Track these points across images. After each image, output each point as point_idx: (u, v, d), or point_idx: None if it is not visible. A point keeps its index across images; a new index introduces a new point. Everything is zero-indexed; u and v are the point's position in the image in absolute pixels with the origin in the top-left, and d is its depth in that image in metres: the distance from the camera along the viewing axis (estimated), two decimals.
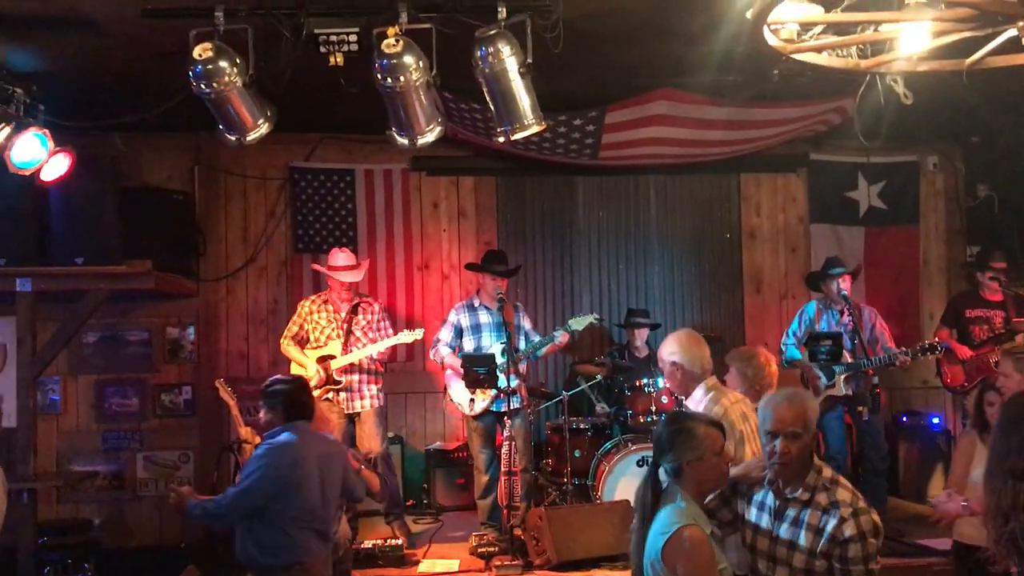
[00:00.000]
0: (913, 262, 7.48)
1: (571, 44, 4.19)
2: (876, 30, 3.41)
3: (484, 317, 5.92)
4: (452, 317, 6.00)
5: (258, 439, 4.30)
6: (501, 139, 4.38)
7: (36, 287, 5.27)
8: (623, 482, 5.58)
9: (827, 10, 3.38)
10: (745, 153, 6.84)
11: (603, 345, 7.20)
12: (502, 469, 5.42)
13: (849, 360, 5.80)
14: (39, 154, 4.81)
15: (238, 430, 5.24)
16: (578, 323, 5.86)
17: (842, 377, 5.83)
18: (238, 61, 3.98)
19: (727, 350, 4.53)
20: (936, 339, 6.11)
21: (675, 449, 2.82)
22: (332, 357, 5.76)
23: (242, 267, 6.92)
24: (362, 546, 5.18)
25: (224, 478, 5.21)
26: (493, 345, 5.81)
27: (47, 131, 4.82)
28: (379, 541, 5.31)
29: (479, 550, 5.29)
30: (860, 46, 3.57)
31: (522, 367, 5.88)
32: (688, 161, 6.81)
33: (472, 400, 5.76)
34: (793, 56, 3.45)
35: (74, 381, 6.60)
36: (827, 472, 2.94)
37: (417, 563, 5.21)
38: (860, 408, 5.71)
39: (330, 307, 5.91)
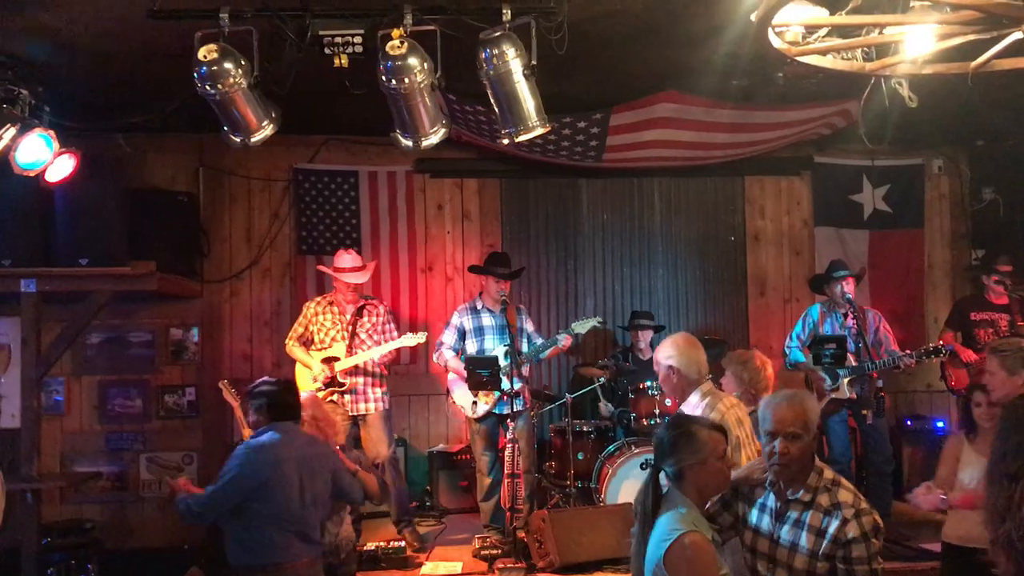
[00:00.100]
0: (918, 265, 7.47)
1: (576, 46, 4.19)
2: (881, 33, 3.41)
3: (487, 319, 5.92)
4: (455, 319, 6.01)
5: None
6: (505, 141, 4.38)
7: (41, 288, 5.28)
8: (626, 485, 5.57)
9: (832, 13, 3.38)
10: (749, 156, 6.83)
11: (607, 347, 7.19)
12: (505, 472, 5.43)
13: (853, 363, 5.78)
14: (44, 155, 4.82)
15: (241, 431, 5.22)
16: (581, 326, 5.86)
17: (846, 380, 5.81)
18: (243, 62, 3.98)
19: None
20: (941, 342, 6.09)
21: (677, 453, 2.79)
22: (336, 359, 5.75)
23: (246, 268, 6.93)
24: (365, 548, 5.18)
25: None
26: (496, 348, 5.81)
27: (52, 132, 4.82)
28: (383, 543, 5.31)
29: (482, 552, 5.30)
30: (865, 49, 3.58)
31: (525, 370, 5.89)
32: (692, 164, 6.81)
33: (475, 403, 5.76)
34: (798, 59, 3.45)
35: (78, 382, 6.61)
36: (828, 474, 2.93)
37: (420, 565, 5.21)
38: (864, 411, 5.71)
39: (335, 309, 5.90)
